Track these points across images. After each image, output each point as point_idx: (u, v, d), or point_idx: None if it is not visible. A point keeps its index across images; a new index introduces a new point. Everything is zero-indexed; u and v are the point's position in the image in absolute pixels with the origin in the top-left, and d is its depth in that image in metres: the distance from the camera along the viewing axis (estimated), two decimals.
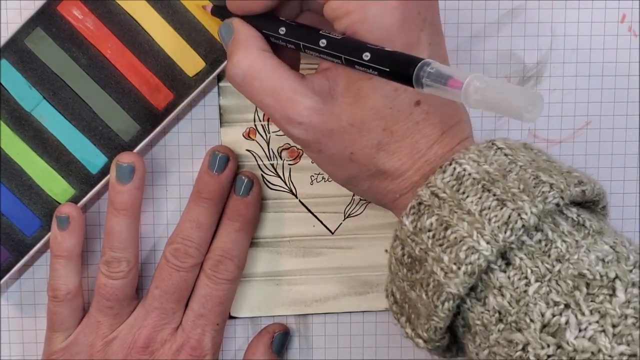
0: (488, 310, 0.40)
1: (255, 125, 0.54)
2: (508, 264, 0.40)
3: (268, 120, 0.54)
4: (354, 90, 0.43)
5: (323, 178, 0.55)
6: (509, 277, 0.39)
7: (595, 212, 0.43)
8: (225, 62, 0.52)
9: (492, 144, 0.43)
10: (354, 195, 0.55)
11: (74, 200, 0.53)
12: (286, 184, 0.55)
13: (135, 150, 0.53)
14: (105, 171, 0.53)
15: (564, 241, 0.40)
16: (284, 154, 0.55)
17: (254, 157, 0.55)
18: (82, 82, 0.52)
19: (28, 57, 0.52)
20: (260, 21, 0.46)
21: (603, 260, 0.39)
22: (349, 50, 0.41)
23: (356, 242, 0.56)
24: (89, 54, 0.52)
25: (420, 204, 0.42)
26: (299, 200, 0.55)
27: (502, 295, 0.39)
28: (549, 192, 0.40)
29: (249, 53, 0.44)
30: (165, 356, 0.53)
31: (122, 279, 0.52)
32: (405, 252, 0.42)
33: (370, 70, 0.40)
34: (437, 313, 0.41)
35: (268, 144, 0.55)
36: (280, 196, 0.55)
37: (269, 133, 0.54)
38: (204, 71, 0.53)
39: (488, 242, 0.39)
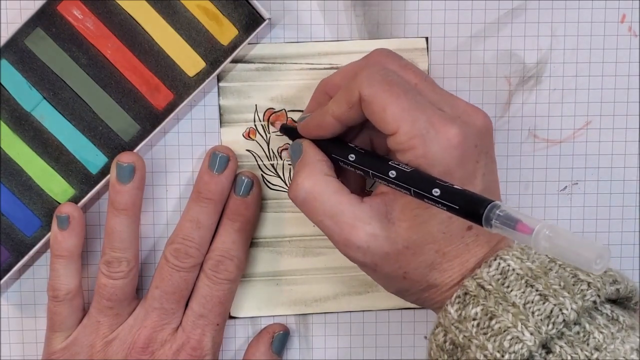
0: None
1: (255, 125, 0.54)
2: (548, 352, 0.43)
3: (268, 120, 0.54)
4: (411, 215, 0.46)
5: None
6: None
7: (627, 307, 0.46)
8: (225, 62, 0.52)
9: None
10: None
11: (74, 200, 0.53)
12: (286, 184, 0.55)
13: (135, 150, 0.53)
14: (105, 171, 0.53)
15: (601, 332, 0.43)
16: (284, 154, 0.55)
17: (254, 157, 0.55)
18: (82, 82, 0.52)
19: (28, 57, 0.52)
20: (331, 145, 0.49)
21: (637, 350, 0.42)
22: (418, 184, 0.44)
23: None
24: (89, 54, 0.52)
25: (466, 294, 0.45)
26: None
27: None
28: (587, 290, 0.43)
29: (313, 176, 0.47)
30: (165, 356, 0.53)
31: (122, 279, 0.52)
32: (448, 339, 0.45)
33: (439, 205, 0.43)
34: None
35: (268, 144, 0.55)
36: (280, 196, 0.55)
37: (269, 133, 0.54)
38: (204, 71, 0.53)
39: (532, 333, 0.42)
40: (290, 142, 0.52)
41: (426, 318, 0.56)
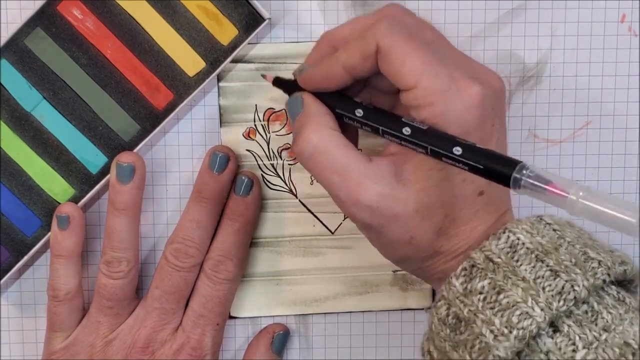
0: None
1: (255, 125, 0.54)
2: (555, 330, 0.41)
3: (268, 120, 0.54)
4: (423, 177, 0.44)
5: None
6: (556, 343, 0.41)
7: (629, 290, 0.45)
8: (225, 62, 0.52)
9: (541, 218, 0.44)
10: None
11: (74, 200, 0.53)
12: (286, 184, 0.55)
13: (135, 150, 0.53)
14: (105, 171, 0.53)
15: (609, 313, 0.41)
16: (284, 154, 0.55)
17: (254, 157, 0.55)
18: (82, 82, 0.52)
19: (28, 57, 0.52)
20: (334, 100, 0.46)
21: None
22: (436, 142, 0.42)
23: (356, 242, 0.56)
24: (89, 54, 0.52)
25: (472, 266, 0.43)
26: (299, 200, 0.55)
27: None
28: (598, 268, 0.42)
29: (319, 130, 0.44)
30: (165, 356, 0.53)
31: (122, 279, 0.52)
32: (451, 313, 0.43)
33: (460, 164, 0.41)
34: None
35: (268, 144, 0.55)
36: (280, 196, 0.55)
37: (269, 133, 0.54)
38: (204, 71, 0.53)
39: (542, 309, 0.40)
40: (287, 97, 0.49)
41: (426, 318, 0.56)
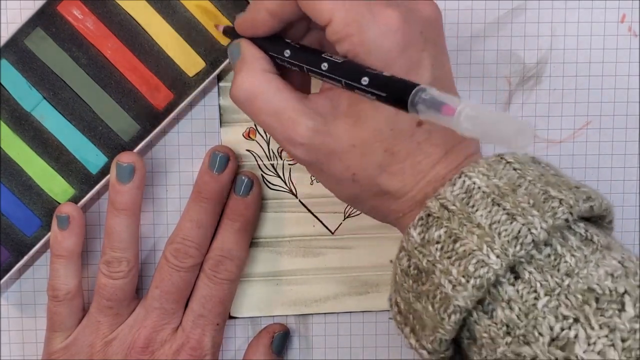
0: (496, 324, 0.40)
1: (255, 125, 0.54)
2: (517, 277, 0.40)
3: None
4: (356, 111, 0.43)
5: None
6: (517, 291, 0.39)
7: (602, 226, 0.43)
8: (225, 62, 0.52)
9: (501, 158, 0.43)
10: None
11: (74, 200, 0.53)
12: (286, 184, 0.55)
13: (135, 150, 0.53)
14: (105, 171, 0.53)
15: (573, 256, 0.40)
16: (284, 154, 0.55)
17: (254, 157, 0.55)
18: (82, 82, 0.52)
19: (28, 57, 0.52)
20: (267, 43, 0.46)
21: (612, 275, 0.39)
22: (348, 74, 0.41)
23: (356, 242, 0.56)
24: (89, 54, 0.52)
25: (428, 215, 0.42)
26: (299, 200, 0.55)
27: (511, 308, 0.39)
28: (559, 207, 0.40)
29: (252, 74, 0.45)
30: (165, 356, 0.53)
31: (122, 279, 0.52)
32: (412, 264, 0.42)
33: (369, 95, 0.40)
34: (444, 325, 0.40)
35: (268, 144, 0.55)
36: (280, 196, 0.55)
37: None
38: (204, 71, 0.53)
39: (498, 256, 0.39)
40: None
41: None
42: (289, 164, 0.55)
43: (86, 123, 0.52)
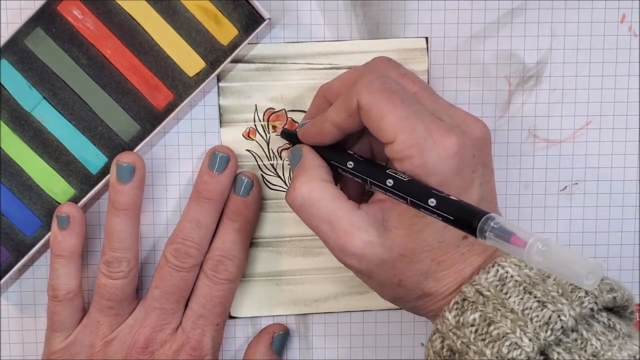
0: None
1: (255, 125, 0.54)
2: (546, 359, 0.43)
3: (268, 120, 0.54)
4: (407, 223, 0.46)
5: None
6: None
7: (623, 316, 0.47)
8: (225, 62, 0.52)
9: None
10: None
11: (74, 200, 0.53)
12: (286, 184, 0.55)
13: (135, 150, 0.53)
14: (105, 171, 0.53)
15: (598, 339, 0.43)
16: (283, 154, 0.55)
17: (254, 157, 0.55)
18: (82, 82, 0.52)
19: (28, 57, 0.52)
20: (330, 152, 0.49)
21: (634, 357, 0.42)
22: (414, 194, 0.44)
23: None
24: (89, 54, 0.52)
25: (464, 300, 0.45)
26: None
27: None
28: (585, 297, 0.44)
29: (310, 181, 0.47)
30: (165, 356, 0.53)
31: (122, 279, 0.52)
32: (445, 345, 0.45)
33: (435, 215, 0.43)
34: None
35: (268, 144, 0.55)
36: (280, 196, 0.55)
37: (269, 133, 0.54)
38: (204, 71, 0.53)
39: (530, 340, 0.42)
40: (291, 145, 0.52)
41: (426, 318, 0.56)
42: (289, 164, 0.55)
43: (86, 123, 0.53)
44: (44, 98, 0.52)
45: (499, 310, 0.43)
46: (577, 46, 0.55)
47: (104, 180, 0.53)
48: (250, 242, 0.55)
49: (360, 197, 0.52)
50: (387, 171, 0.46)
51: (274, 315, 0.56)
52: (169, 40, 0.52)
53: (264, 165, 0.55)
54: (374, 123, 0.45)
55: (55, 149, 0.53)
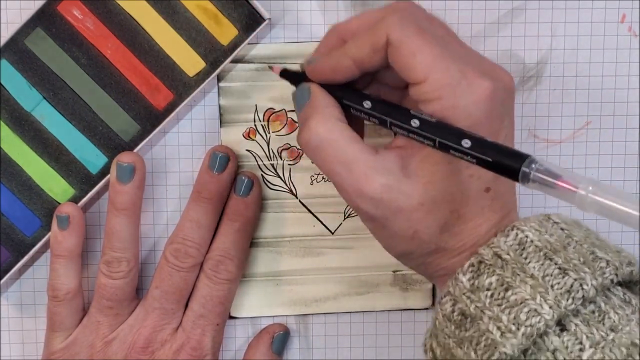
0: None
1: (255, 125, 0.54)
2: (562, 329, 0.41)
3: (268, 120, 0.54)
4: (430, 170, 0.43)
5: (323, 178, 0.55)
6: (563, 342, 0.40)
7: (634, 292, 0.45)
8: (225, 62, 0.52)
9: (549, 217, 0.44)
10: None
11: (74, 200, 0.53)
12: (286, 184, 0.55)
13: (135, 150, 0.53)
14: (105, 171, 0.53)
15: (617, 313, 0.41)
16: (284, 154, 0.55)
17: (254, 157, 0.55)
18: (82, 82, 0.52)
19: (28, 57, 0.52)
20: (341, 91, 0.45)
21: None
22: (445, 135, 0.41)
23: (356, 242, 0.56)
24: (89, 54, 0.52)
25: (480, 262, 0.42)
26: (299, 200, 0.55)
27: (556, 358, 0.40)
28: (606, 267, 0.42)
29: (326, 120, 0.44)
30: (165, 356, 0.53)
31: (122, 279, 0.52)
32: (456, 309, 0.43)
33: (468, 157, 0.41)
34: None
35: (268, 144, 0.55)
36: (280, 196, 0.55)
37: (269, 133, 0.54)
38: (204, 71, 0.53)
39: (550, 307, 0.40)
40: (294, 87, 0.48)
41: (426, 318, 0.56)
42: (289, 164, 0.55)
43: (86, 123, 0.53)
44: (44, 98, 0.52)
45: (518, 275, 0.41)
46: (577, 46, 0.55)
47: (104, 180, 0.53)
48: (251, 242, 0.55)
49: None
50: (411, 111, 0.43)
51: (274, 316, 0.56)
52: (169, 40, 0.52)
53: (264, 165, 0.55)
54: (403, 60, 0.42)
55: (55, 149, 0.53)
